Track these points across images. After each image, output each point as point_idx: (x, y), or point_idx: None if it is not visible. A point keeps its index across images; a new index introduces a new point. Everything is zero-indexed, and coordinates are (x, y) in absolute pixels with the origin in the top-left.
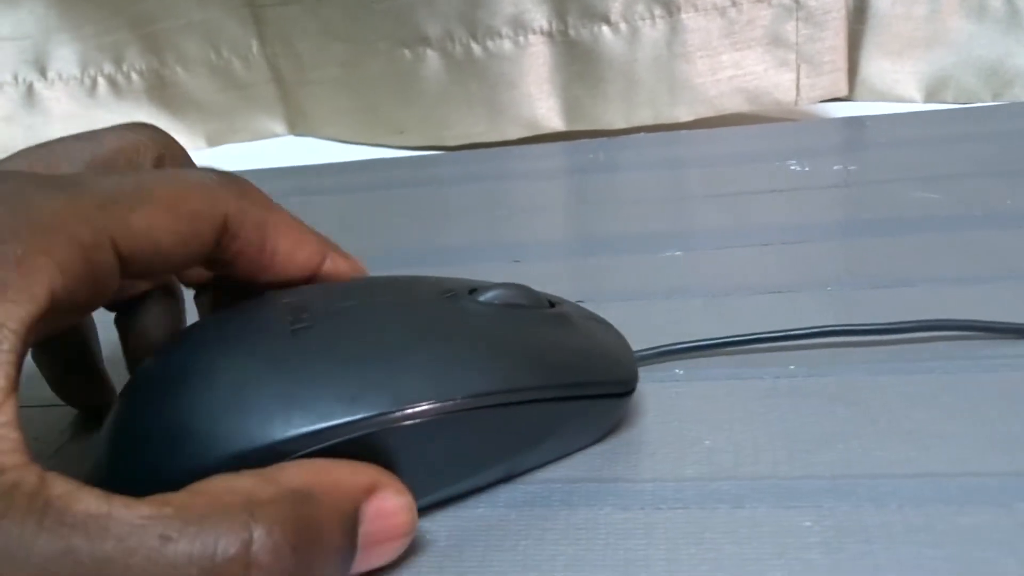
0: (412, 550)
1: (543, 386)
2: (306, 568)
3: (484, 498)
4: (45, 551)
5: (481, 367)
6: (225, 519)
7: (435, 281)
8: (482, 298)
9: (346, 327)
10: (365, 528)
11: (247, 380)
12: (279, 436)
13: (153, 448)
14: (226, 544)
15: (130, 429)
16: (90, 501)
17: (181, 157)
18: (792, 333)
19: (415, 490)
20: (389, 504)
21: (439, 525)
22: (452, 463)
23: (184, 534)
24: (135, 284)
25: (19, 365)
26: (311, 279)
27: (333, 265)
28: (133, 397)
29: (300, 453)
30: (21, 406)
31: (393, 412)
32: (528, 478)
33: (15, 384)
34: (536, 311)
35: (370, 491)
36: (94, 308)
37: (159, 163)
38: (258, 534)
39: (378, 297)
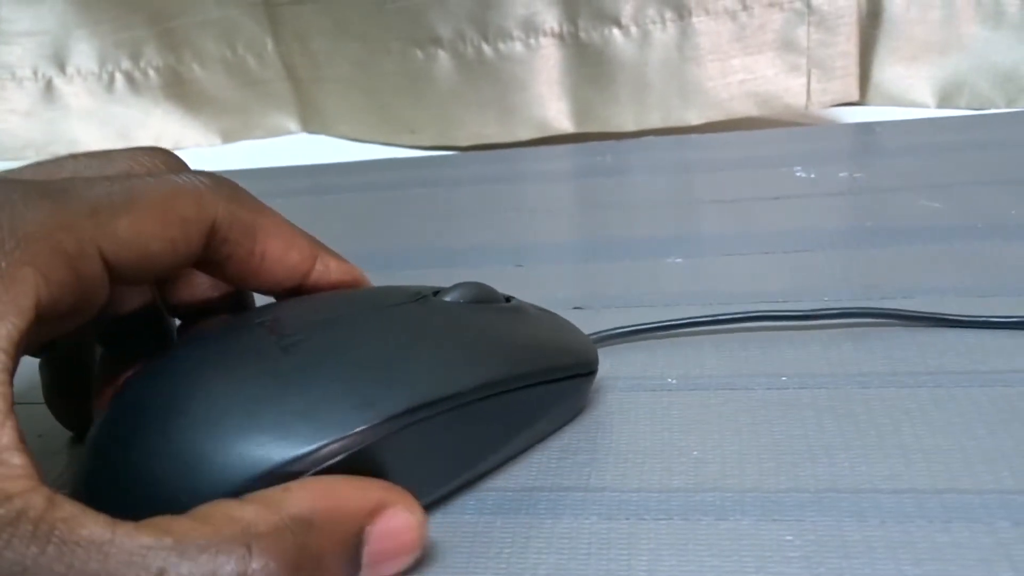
0: None
1: (530, 372)
2: None
3: (472, 503)
4: (47, 575)
5: (475, 361)
6: (223, 552)
7: (396, 288)
8: (448, 298)
9: (337, 338)
10: (370, 548)
11: (259, 399)
12: (298, 452)
13: (154, 475)
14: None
15: (124, 453)
16: (95, 527)
17: None
18: (722, 318)
19: (418, 493)
20: (396, 523)
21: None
22: (454, 458)
23: (180, 567)
24: (123, 302)
25: (11, 383)
26: (303, 282)
27: (324, 267)
28: (123, 420)
29: (315, 470)
30: (30, 403)
31: (415, 407)
32: (517, 485)
33: (11, 403)
34: (497, 305)
35: (376, 511)
36: (85, 318)
37: None
38: (255, 567)
39: (353, 307)
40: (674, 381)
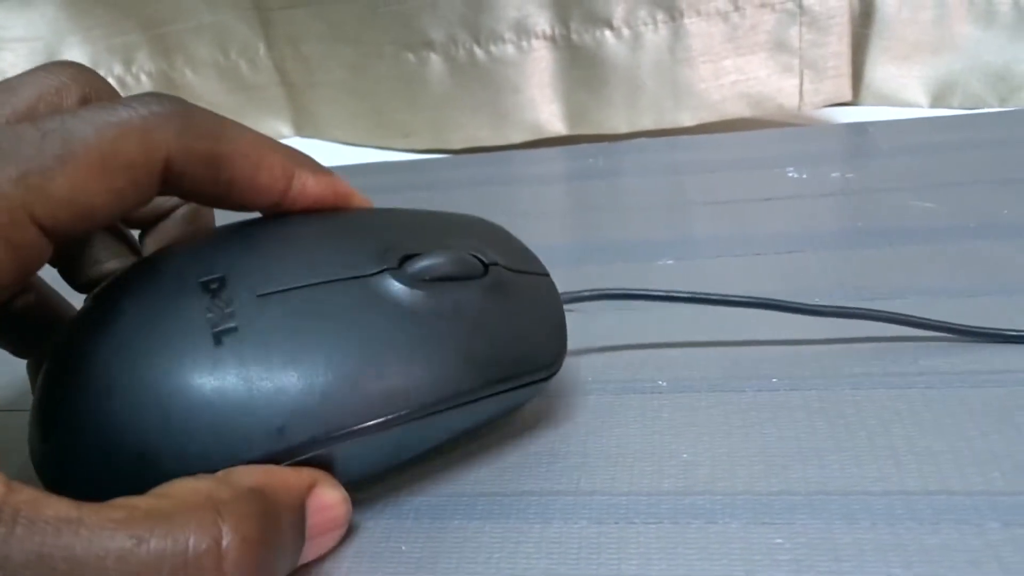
0: (388, 561)
1: (472, 389)
2: (268, 561)
3: (461, 509)
4: (19, 558)
5: (411, 380)
6: (193, 518)
7: (367, 229)
8: (412, 270)
9: (272, 335)
10: (310, 521)
11: (177, 401)
12: (213, 465)
13: (86, 473)
14: (197, 541)
15: (56, 446)
16: (59, 506)
17: (107, 94)
18: (728, 299)
19: (347, 478)
20: (328, 498)
21: (415, 535)
22: (378, 459)
23: (155, 534)
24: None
25: None
26: (280, 201)
27: (301, 185)
28: (54, 400)
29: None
30: (12, 410)
31: (324, 437)
32: (506, 489)
33: None
34: (467, 283)
35: (311, 488)
36: (26, 279)
37: (84, 103)
38: (227, 530)
39: (304, 274)
40: (664, 383)
